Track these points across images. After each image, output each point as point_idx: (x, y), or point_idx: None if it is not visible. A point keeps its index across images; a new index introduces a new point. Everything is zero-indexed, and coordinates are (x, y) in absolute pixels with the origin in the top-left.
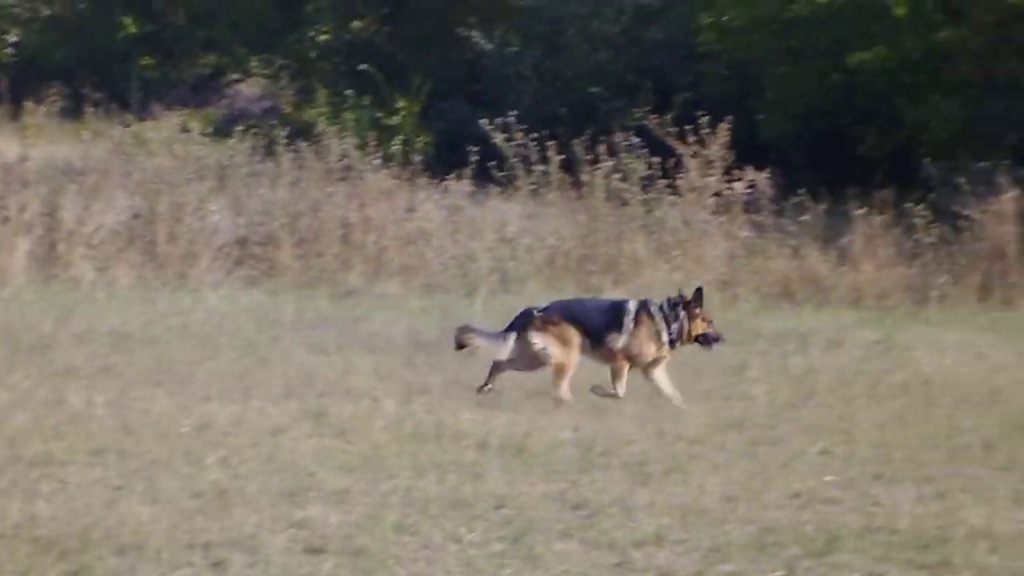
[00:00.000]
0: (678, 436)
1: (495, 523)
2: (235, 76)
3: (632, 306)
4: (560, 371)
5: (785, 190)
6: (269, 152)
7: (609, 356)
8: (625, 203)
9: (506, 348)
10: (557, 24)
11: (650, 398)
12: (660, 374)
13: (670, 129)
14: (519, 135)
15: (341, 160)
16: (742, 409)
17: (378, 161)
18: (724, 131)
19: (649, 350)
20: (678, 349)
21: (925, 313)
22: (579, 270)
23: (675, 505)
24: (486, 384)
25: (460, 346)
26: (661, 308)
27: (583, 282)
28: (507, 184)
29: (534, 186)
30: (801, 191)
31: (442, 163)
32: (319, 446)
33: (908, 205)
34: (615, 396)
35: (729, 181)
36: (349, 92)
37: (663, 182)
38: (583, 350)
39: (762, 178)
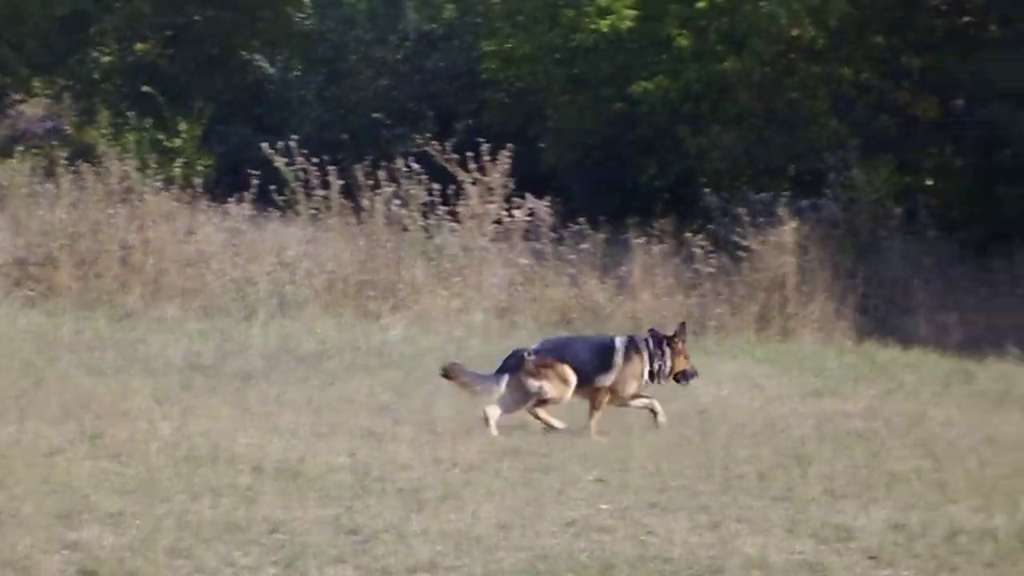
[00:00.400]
0: (454, 463)
1: (269, 547)
2: (18, 96)
3: (620, 344)
4: (546, 404)
5: (565, 218)
6: (50, 173)
7: (595, 393)
8: (405, 229)
9: (498, 390)
10: (340, 50)
11: (426, 424)
12: (637, 400)
13: (451, 156)
14: (300, 159)
15: (122, 182)
16: (518, 437)
17: (159, 183)
18: (505, 159)
19: (632, 387)
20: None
21: (703, 343)
22: (358, 295)
23: (449, 532)
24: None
25: (447, 377)
26: (647, 344)
27: (362, 307)
28: (287, 208)
29: (315, 211)
30: (581, 219)
31: (223, 186)
32: (95, 468)
33: (688, 235)
34: (555, 428)
35: (509, 209)
36: (131, 114)
37: (443, 209)
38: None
39: (542, 206)
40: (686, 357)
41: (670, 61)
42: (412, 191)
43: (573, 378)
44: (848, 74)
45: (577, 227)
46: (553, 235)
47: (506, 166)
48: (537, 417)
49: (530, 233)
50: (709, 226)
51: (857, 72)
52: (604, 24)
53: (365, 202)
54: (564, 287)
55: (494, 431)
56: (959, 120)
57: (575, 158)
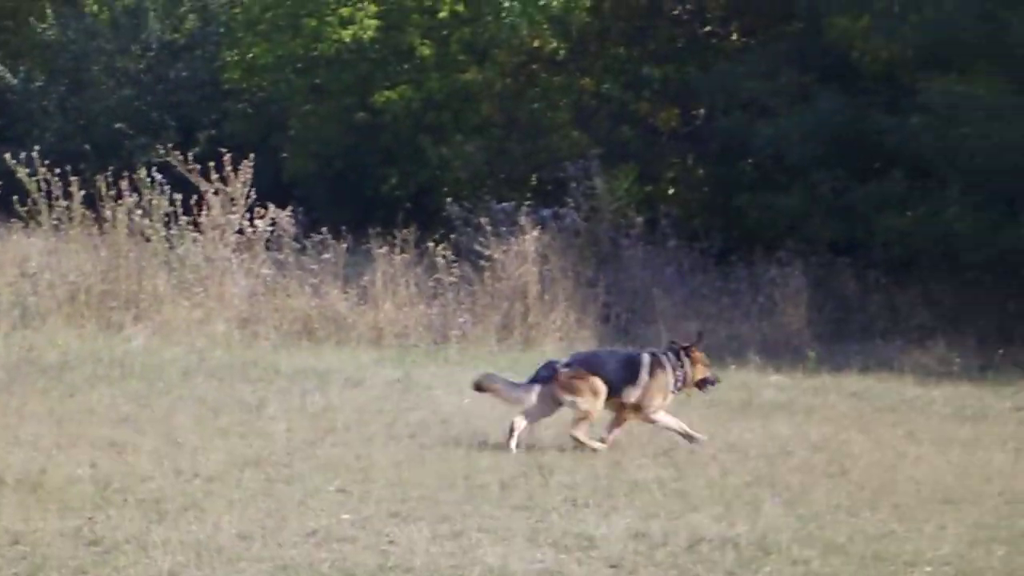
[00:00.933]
0: (195, 474)
1: (10, 559)
2: None
3: (646, 359)
4: (585, 419)
5: (308, 228)
6: None
7: (620, 406)
8: (147, 239)
9: (529, 400)
10: (82, 60)
11: (167, 435)
12: (664, 417)
13: (193, 166)
14: (43, 170)
15: None
16: (260, 447)
17: None
18: (247, 169)
19: (658, 400)
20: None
21: (445, 352)
22: (100, 306)
23: (191, 543)
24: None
25: (479, 389)
26: (670, 358)
27: (104, 318)
28: (29, 219)
29: (57, 221)
30: (323, 229)
31: None
32: None
33: (430, 244)
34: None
35: (251, 219)
36: None
37: (186, 219)
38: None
39: (285, 216)
40: (706, 365)
41: (412, 71)
42: (154, 201)
43: (604, 390)
44: (589, 84)
45: (319, 237)
46: (295, 245)
47: (248, 176)
48: (577, 441)
49: (272, 243)
50: (451, 235)
51: (598, 82)
52: (346, 34)
53: (107, 212)
54: (306, 297)
55: (514, 444)
56: (700, 130)
57: (317, 168)
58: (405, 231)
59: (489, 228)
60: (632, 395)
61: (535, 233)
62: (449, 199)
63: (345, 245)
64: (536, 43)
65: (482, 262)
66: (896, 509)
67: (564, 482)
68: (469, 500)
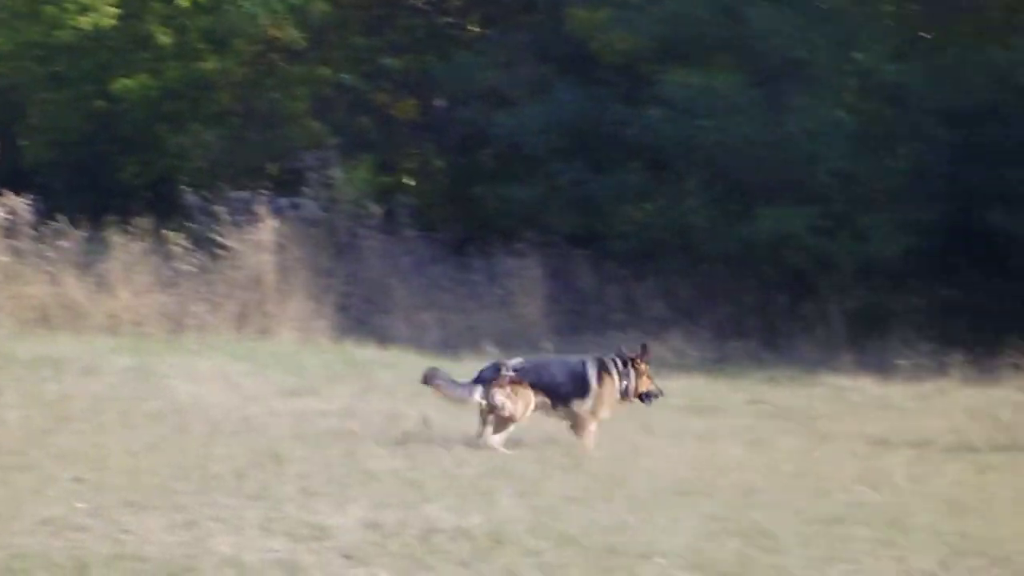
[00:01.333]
0: None
1: None
2: None
3: (591, 367)
4: (507, 423)
5: (45, 216)
6: None
7: (578, 419)
8: None
9: (473, 398)
10: None
11: None
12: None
13: None
14: None
15: None
16: None
17: None
18: None
19: (605, 410)
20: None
21: (181, 341)
22: None
23: None
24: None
25: (425, 383)
26: (615, 365)
27: None
28: None
29: None
30: (61, 217)
31: None
32: None
33: (167, 233)
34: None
35: None
36: None
37: None
38: (545, 409)
39: (22, 203)
40: (650, 377)
41: (151, 59)
42: None
43: (533, 400)
44: (328, 74)
45: (57, 225)
46: (33, 233)
47: None
48: (491, 446)
49: (9, 231)
50: (189, 224)
51: (337, 72)
52: (85, 21)
53: None
54: (43, 285)
55: (488, 441)
56: (439, 120)
57: (56, 155)
58: (142, 219)
59: (227, 217)
60: (584, 406)
61: (273, 223)
62: (186, 188)
63: (83, 233)
64: (275, 33)
65: (219, 251)
66: (630, 501)
67: (298, 472)
68: (203, 490)
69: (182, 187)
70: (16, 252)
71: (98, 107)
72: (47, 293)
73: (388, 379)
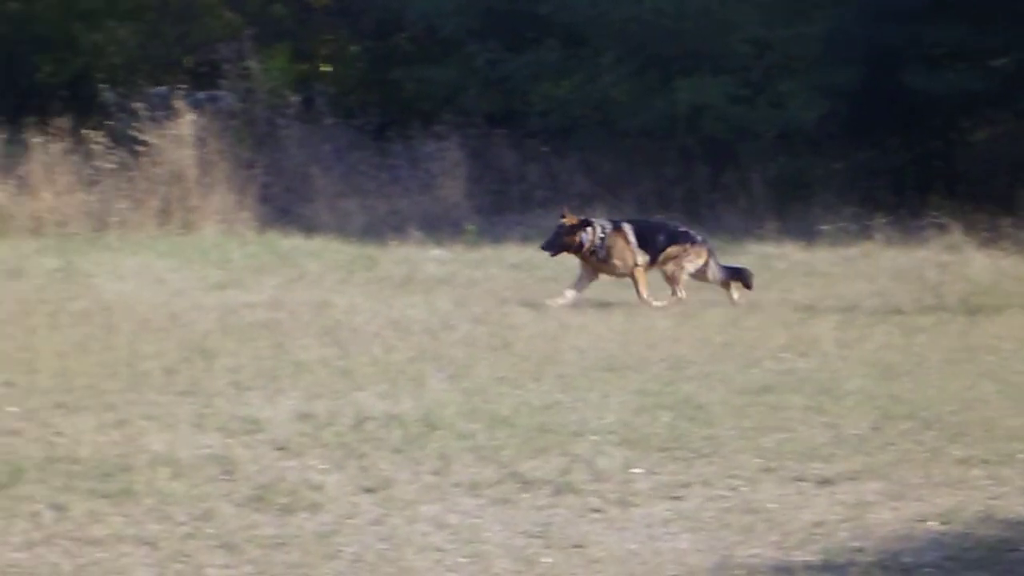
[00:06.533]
0: None
1: None
2: None
3: None
4: None
5: None
6: None
7: None
8: None
9: None
10: None
11: None
12: None
13: None
14: None
15: None
16: None
17: None
18: None
19: None
20: None
21: (105, 239)
22: None
23: None
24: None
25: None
26: None
27: None
28: None
29: None
30: None
31: None
32: None
33: (86, 132)
34: None
35: None
36: None
37: None
38: None
39: None
40: None
41: None
42: None
43: None
44: None
45: None
46: None
47: None
48: None
49: None
50: (107, 122)
51: None
52: None
53: None
54: None
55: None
56: (354, 5)
57: None
58: (61, 119)
59: (145, 113)
60: None
61: (191, 117)
62: (104, 85)
63: (1, 135)
64: None
65: (139, 148)
66: (560, 379)
67: (228, 365)
68: (133, 388)
69: (99, 85)
70: None
71: (10, 7)
72: None
73: (314, 268)
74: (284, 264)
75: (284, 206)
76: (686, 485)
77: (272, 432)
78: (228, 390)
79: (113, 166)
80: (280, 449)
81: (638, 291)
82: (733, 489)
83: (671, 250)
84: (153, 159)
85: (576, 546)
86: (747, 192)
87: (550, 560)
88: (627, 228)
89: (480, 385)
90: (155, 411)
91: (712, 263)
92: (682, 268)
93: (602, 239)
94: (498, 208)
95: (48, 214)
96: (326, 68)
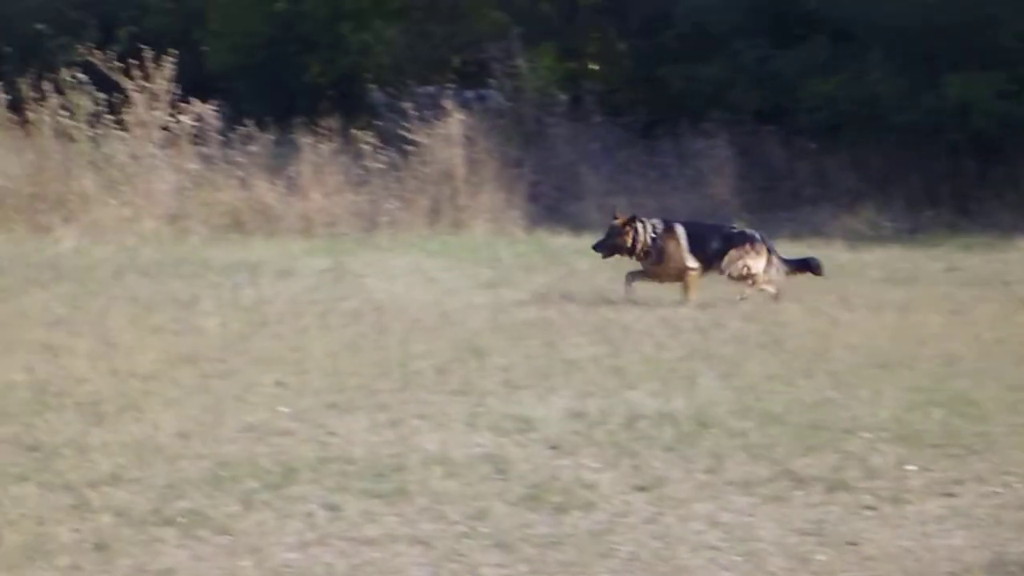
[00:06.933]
0: (131, 373)
1: None
2: None
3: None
4: None
5: (232, 121)
6: None
7: None
8: (73, 140)
9: None
10: None
11: (102, 336)
12: None
13: (115, 64)
14: None
15: None
16: (194, 343)
17: None
18: (169, 64)
19: None
20: None
21: (375, 239)
22: (28, 209)
23: (130, 443)
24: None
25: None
26: None
27: (33, 221)
28: None
29: None
30: (248, 122)
31: None
32: None
33: (355, 132)
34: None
35: (176, 114)
36: None
37: (110, 118)
38: None
39: (209, 110)
40: None
41: None
42: (78, 101)
43: None
44: None
45: (245, 129)
46: (221, 139)
47: (170, 71)
48: None
49: (198, 138)
50: (376, 122)
51: None
52: None
53: (31, 115)
54: (234, 190)
55: None
56: (620, 3)
57: (239, 60)
58: (330, 120)
59: (414, 113)
60: None
61: (459, 116)
62: (372, 85)
63: (271, 136)
64: None
65: (408, 147)
66: (832, 376)
67: (499, 364)
68: (406, 387)
69: (367, 85)
70: (205, 159)
71: (279, 8)
72: (239, 198)
73: (583, 266)
74: (553, 262)
75: (552, 204)
76: (959, 482)
77: (544, 431)
78: (500, 389)
79: (382, 166)
80: (553, 448)
81: (687, 296)
82: (1007, 486)
83: (732, 253)
84: (422, 159)
85: (849, 543)
86: (1016, 187)
87: (823, 558)
88: (679, 230)
89: (751, 383)
90: (427, 410)
91: (775, 260)
92: (748, 267)
93: (654, 239)
94: (767, 205)
95: (317, 214)
96: (593, 66)
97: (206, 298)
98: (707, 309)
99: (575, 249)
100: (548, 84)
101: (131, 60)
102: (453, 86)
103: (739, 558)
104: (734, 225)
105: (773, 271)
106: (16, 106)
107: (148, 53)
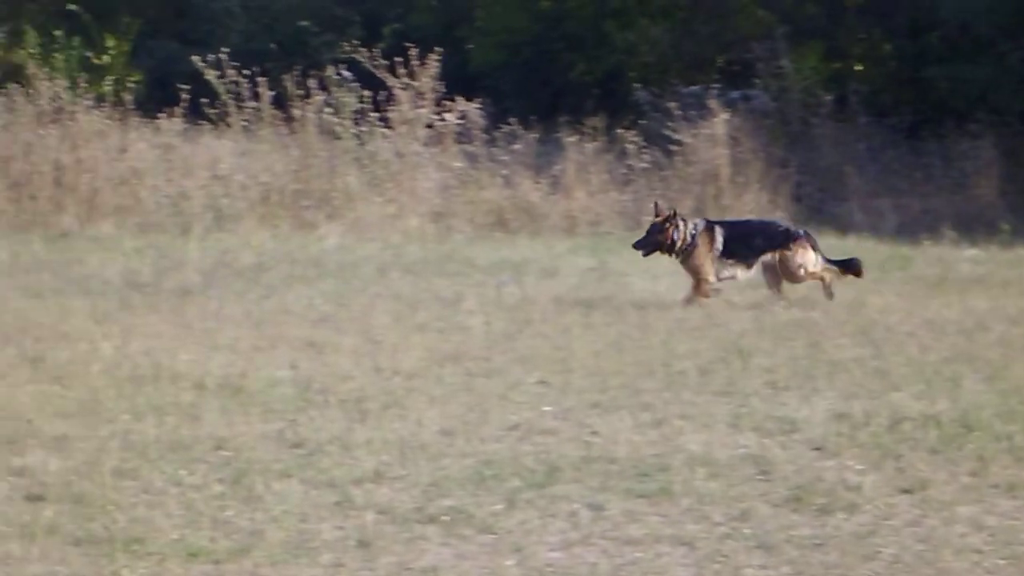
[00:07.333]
0: (395, 371)
1: (214, 465)
2: None
3: None
4: None
5: (497, 119)
6: None
7: None
8: (337, 137)
9: None
10: None
11: (366, 333)
12: None
13: (380, 62)
14: (230, 71)
15: (52, 102)
16: (458, 342)
17: (89, 102)
18: (434, 62)
19: None
20: None
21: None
22: (293, 206)
23: (393, 441)
24: None
25: None
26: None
27: (297, 218)
28: (219, 121)
29: (246, 122)
30: (512, 120)
31: (154, 102)
32: (37, 392)
33: (619, 131)
34: None
35: (440, 112)
36: (58, 33)
37: (375, 115)
38: None
39: (473, 108)
40: None
41: None
42: (343, 99)
43: None
44: None
45: (509, 128)
46: (485, 137)
47: (435, 69)
48: None
49: (462, 136)
50: (640, 121)
51: None
52: None
53: (296, 112)
54: (498, 188)
55: None
56: (885, 3)
57: (503, 58)
58: (594, 118)
59: (678, 112)
60: None
61: (724, 115)
62: (637, 84)
63: (535, 135)
64: None
65: (672, 147)
66: None
67: (763, 365)
68: (669, 387)
69: (632, 84)
70: (470, 157)
71: (545, 6)
72: (503, 197)
73: None
74: None
75: (817, 205)
76: None
77: (808, 432)
78: (764, 390)
79: (646, 165)
80: (816, 449)
81: (694, 293)
82: None
83: (786, 253)
84: (686, 158)
85: None
86: None
87: None
88: (717, 230)
89: (1016, 386)
90: (691, 411)
91: (821, 258)
92: (800, 266)
93: (693, 236)
94: None
95: (582, 213)
96: (858, 67)
97: (470, 296)
98: (971, 313)
99: (840, 250)
100: (813, 84)
101: (395, 57)
102: (718, 86)
103: (1003, 561)
104: (780, 222)
105: (818, 267)
106: (281, 103)
107: (413, 50)
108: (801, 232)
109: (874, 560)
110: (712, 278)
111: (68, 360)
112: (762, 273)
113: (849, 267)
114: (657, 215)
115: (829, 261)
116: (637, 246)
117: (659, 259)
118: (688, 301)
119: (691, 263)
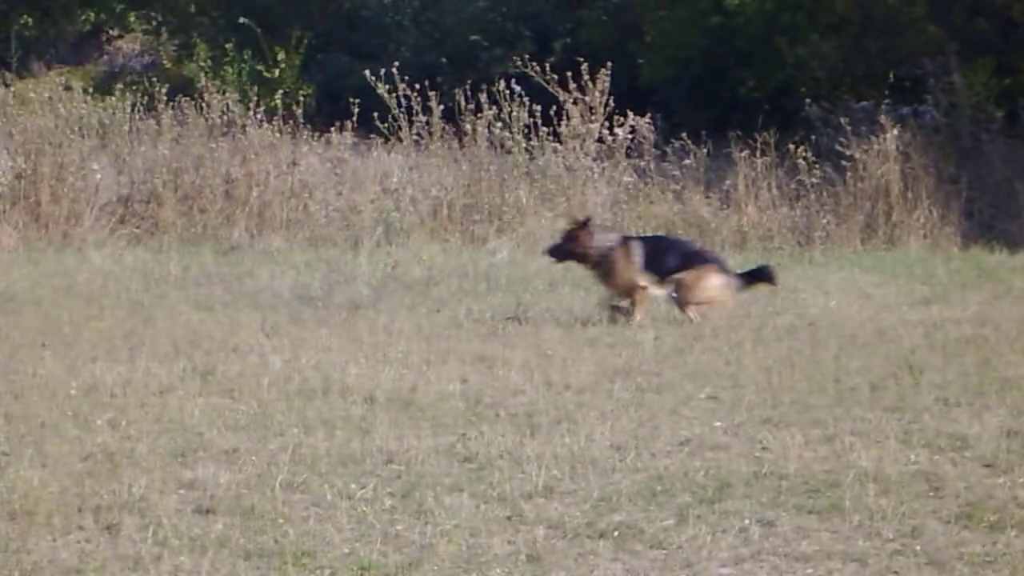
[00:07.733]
0: (566, 386)
1: (385, 478)
2: (114, 33)
3: None
4: None
5: (667, 134)
6: (150, 109)
7: None
8: (508, 151)
9: None
10: None
11: (536, 348)
12: None
13: (551, 76)
14: (401, 86)
15: (223, 115)
16: (629, 356)
17: (260, 115)
18: (604, 76)
19: None
20: None
21: (809, 254)
22: (463, 220)
23: (564, 456)
24: None
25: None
26: None
27: (467, 232)
28: (390, 135)
29: (417, 137)
30: (683, 135)
31: (324, 115)
32: (207, 405)
33: (790, 146)
34: None
35: (611, 127)
36: (229, 46)
37: (545, 129)
38: None
39: (643, 123)
40: None
41: None
42: (513, 113)
43: None
44: None
45: (679, 142)
46: (655, 151)
47: (606, 84)
48: None
49: (632, 150)
50: (811, 137)
51: None
52: None
53: (467, 126)
54: (669, 203)
55: None
56: None
57: (674, 73)
58: (764, 133)
59: (849, 128)
60: None
61: (895, 131)
62: (807, 100)
63: (705, 149)
64: None
65: (843, 162)
66: None
67: (934, 381)
68: (840, 403)
69: (802, 99)
70: (640, 172)
71: (715, 22)
72: (673, 211)
73: (1019, 284)
74: (988, 280)
75: (988, 221)
76: None
77: (979, 449)
78: (935, 406)
79: (817, 181)
80: (987, 466)
81: (631, 312)
82: None
83: (698, 273)
84: (857, 174)
85: None
86: None
87: None
88: (634, 245)
89: None
90: (862, 427)
91: (730, 279)
92: (705, 289)
93: (610, 249)
94: None
95: (752, 228)
96: None
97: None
98: None
99: (1012, 267)
100: (984, 100)
101: (566, 72)
102: (888, 101)
103: None
104: (695, 242)
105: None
106: (451, 118)
107: (583, 65)
108: (714, 255)
109: None
110: (644, 282)
111: (238, 373)
112: (672, 292)
113: (760, 276)
114: (574, 222)
115: (740, 275)
116: (548, 252)
117: (825, 276)
118: (628, 315)
119: (615, 280)
